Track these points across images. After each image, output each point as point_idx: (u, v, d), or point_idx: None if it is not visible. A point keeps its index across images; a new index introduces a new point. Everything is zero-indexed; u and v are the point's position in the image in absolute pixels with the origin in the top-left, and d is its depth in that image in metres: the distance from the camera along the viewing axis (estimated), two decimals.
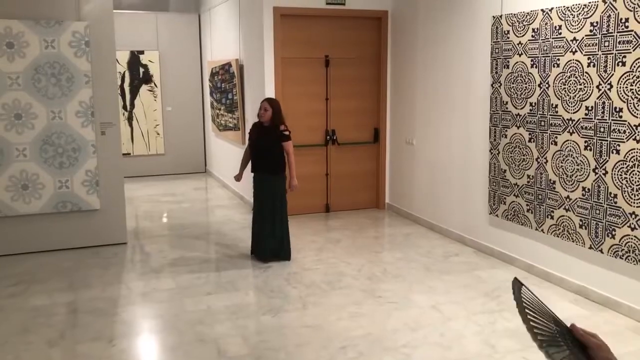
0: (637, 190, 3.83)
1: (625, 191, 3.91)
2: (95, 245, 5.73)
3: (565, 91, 4.33)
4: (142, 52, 9.38)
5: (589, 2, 4.06)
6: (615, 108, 3.92)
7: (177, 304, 4.29)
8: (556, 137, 4.45)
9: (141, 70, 9.44)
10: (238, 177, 5.41)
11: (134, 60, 9.37)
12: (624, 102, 3.86)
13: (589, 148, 4.17)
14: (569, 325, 1.06)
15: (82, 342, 3.69)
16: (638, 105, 3.77)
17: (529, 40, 4.63)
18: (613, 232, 4.02)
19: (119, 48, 8.22)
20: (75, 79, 5.41)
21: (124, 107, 9.37)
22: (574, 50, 4.21)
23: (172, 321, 3.99)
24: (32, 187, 5.42)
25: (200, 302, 4.32)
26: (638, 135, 3.78)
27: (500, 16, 4.94)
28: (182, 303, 4.30)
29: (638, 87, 3.75)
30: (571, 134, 4.31)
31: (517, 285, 1.09)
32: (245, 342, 3.68)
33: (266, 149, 5.12)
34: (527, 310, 1.03)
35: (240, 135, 7.45)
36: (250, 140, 5.25)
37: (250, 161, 5.29)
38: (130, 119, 9.48)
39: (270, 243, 5.17)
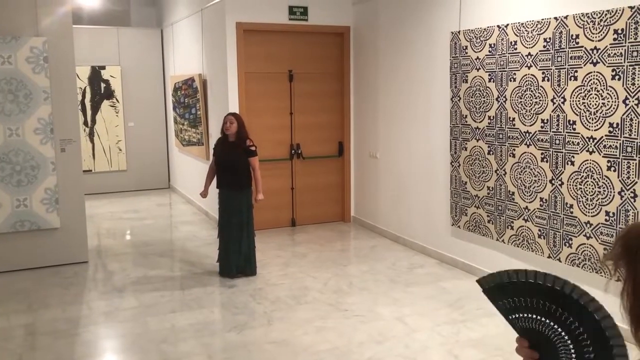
0: (591, 200, 3.96)
1: (580, 201, 4.04)
2: (55, 265, 5.59)
3: (521, 105, 4.46)
4: (103, 68, 9.25)
5: (542, 19, 4.21)
6: (569, 121, 4.06)
7: (141, 323, 4.22)
8: (514, 150, 4.57)
9: (102, 85, 9.30)
10: (204, 194, 5.38)
11: (95, 75, 9.24)
12: (577, 115, 3.99)
13: (545, 160, 4.29)
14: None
15: None
16: (590, 118, 3.90)
17: (486, 55, 4.76)
18: (570, 241, 4.14)
19: (80, 63, 8.11)
20: (34, 95, 5.31)
21: (85, 123, 9.21)
22: (529, 65, 4.34)
23: (136, 340, 3.93)
24: None
25: (165, 320, 4.26)
26: (591, 146, 3.92)
27: (459, 32, 5.07)
28: (146, 322, 4.23)
29: (589, 101, 3.90)
30: (528, 146, 4.43)
31: (485, 287, 1.13)
32: None
33: (232, 165, 5.10)
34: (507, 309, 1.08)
35: (204, 150, 7.41)
36: (216, 155, 5.23)
37: (215, 177, 5.27)
38: (91, 135, 9.32)
39: (237, 259, 5.14)
